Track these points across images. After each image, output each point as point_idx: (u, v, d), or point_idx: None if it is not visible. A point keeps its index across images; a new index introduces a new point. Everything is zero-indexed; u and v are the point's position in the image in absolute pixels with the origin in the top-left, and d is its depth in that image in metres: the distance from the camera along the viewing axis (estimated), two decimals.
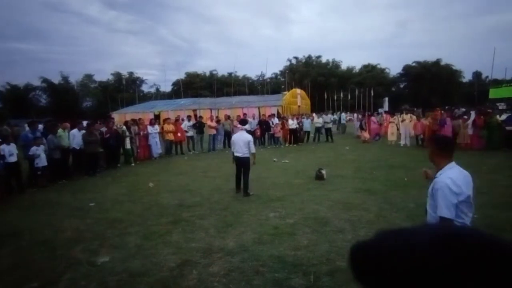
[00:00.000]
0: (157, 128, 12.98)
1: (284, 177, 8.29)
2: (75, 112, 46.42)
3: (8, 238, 4.85)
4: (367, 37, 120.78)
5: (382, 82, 55.93)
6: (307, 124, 16.38)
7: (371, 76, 56.88)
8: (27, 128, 11.72)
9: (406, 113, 15.00)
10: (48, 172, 8.41)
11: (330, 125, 16.81)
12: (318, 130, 16.67)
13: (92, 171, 9.61)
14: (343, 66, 65.17)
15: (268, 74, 67.83)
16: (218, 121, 15.21)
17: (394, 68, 72.98)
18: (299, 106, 32.70)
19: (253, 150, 6.71)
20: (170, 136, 13.42)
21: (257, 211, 5.65)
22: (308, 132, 16.57)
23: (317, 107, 43.92)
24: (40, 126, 15.78)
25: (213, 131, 14.53)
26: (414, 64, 57.05)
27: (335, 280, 3.33)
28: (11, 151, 7.32)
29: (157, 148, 12.73)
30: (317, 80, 56.21)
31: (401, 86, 61.71)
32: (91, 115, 40.01)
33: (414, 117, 14.60)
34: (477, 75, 57.15)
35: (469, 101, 43.22)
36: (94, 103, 58.85)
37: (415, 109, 25.78)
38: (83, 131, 9.75)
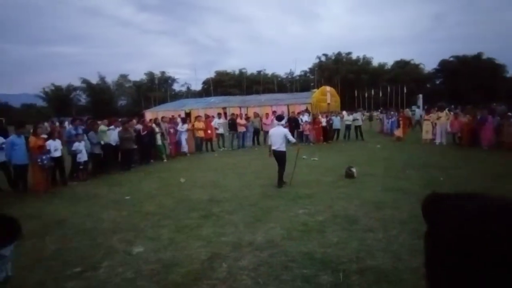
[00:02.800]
0: (186, 126, 13.33)
1: (313, 175, 8.21)
2: (111, 110, 48.85)
3: (53, 226, 5.24)
4: (400, 31, 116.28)
5: (416, 79, 53.50)
6: (336, 122, 16.09)
7: (404, 72, 54.61)
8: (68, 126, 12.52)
9: (442, 110, 14.27)
10: (88, 166, 8.97)
11: (360, 123, 16.36)
12: (348, 128, 16.35)
13: (127, 166, 10.08)
14: (375, 63, 63.17)
15: (297, 72, 67.35)
16: (247, 119, 15.34)
17: (429, 64, 69.72)
18: (328, 103, 31.99)
19: (292, 140, 7.15)
20: (201, 134, 13.73)
21: (286, 207, 5.66)
22: (338, 130, 16.28)
23: (347, 104, 42.86)
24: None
25: (243, 128, 14.69)
26: (451, 58, 54.08)
27: (365, 279, 3.27)
28: (56, 146, 7.88)
29: (186, 145, 13.08)
30: (347, 77, 54.93)
31: (437, 82, 58.70)
32: (125, 114, 41.86)
33: (451, 114, 13.86)
34: None
35: None
36: (129, 102, 61.56)
37: (455, 106, 24.20)
38: (119, 128, 10.24)
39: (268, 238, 4.35)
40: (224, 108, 30.22)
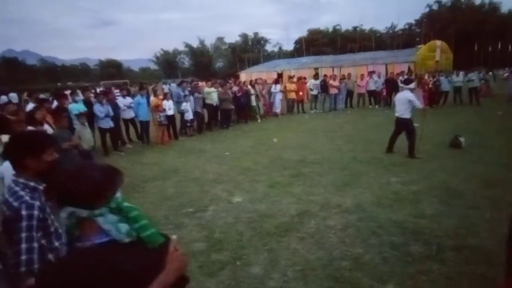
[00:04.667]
0: (279, 87, 13.58)
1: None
2: (210, 72, 52.61)
3: (171, 173, 6.32)
4: None
5: None
6: (445, 83, 14.04)
7: None
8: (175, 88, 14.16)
9: None
10: (194, 124, 10.24)
11: (476, 84, 13.83)
12: (457, 90, 14.07)
13: (226, 125, 11.08)
14: (504, 8, 50.58)
15: (400, 25, 59.30)
16: (340, 80, 14.72)
17: None
18: (437, 61, 27.65)
19: (418, 106, 6.33)
20: (292, 95, 13.87)
21: (377, 174, 5.55)
22: (446, 93, 14.21)
23: (464, 62, 36.38)
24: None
25: (335, 90, 14.20)
26: None
27: (462, 257, 3.11)
28: (169, 105, 9.16)
29: (279, 106, 13.45)
30: (465, 28, 45.80)
31: None
32: (222, 75, 44.56)
33: None
34: None
35: None
36: (225, 64, 64.88)
37: None
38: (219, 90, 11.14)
39: (357, 203, 4.43)
40: (316, 69, 29.28)
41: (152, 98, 8.84)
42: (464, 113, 11.71)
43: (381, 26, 71.89)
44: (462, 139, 6.86)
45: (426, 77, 13.98)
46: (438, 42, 31.62)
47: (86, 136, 6.07)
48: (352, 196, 4.67)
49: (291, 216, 4.15)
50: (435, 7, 55.08)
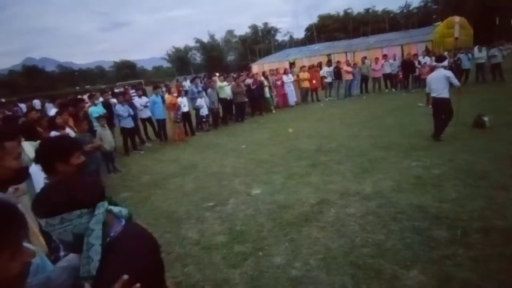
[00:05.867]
0: (291, 77, 13.44)
1: (431, 124, 7.39)
2: (222, 66, 52.65)
3: (189, 169, 6.44)
4: None
5: None
6: (466, 61, 13.43)
7: None
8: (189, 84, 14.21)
9: None
10: (209, 119, 10.32)
11: (498, 60, 13.10)
12: (480, 67, 13.39)
13: (241, 118, 11.12)
14: None
15: (415, 3, 57.03)
16: (354, 65, 14.40)
17: None
18: (456, 38, 26.39)
19: (456, 84, 6.07)
20: (306, 84, 13.71)
21: (396, 159, 5.45)
22: (468, 71, 13.59)
23: (484, 37, 34.59)
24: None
25: (349, 76, 13.93)
26: None
27: (489, 239, 3.03)
28: (184, 102, 9.27)
29: (292, 96, 13.33)
30: (485, 1, 43.51)
31: None
32: (234, 68, 44.50)
33: None
34: None
35: None
36: (236, 57, 64.70)
37: None
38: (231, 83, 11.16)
39: (376, 189, 4.38)
40: (328, 55, 28.72)
41: (167, 95, 8.98)
42: (487, 91, 11.19)
43: (394, 6, 69.59)
44: (486, 118, 6.60)
45: (446, 55, 13.40)
46: (457, 18, 29.97)
47: (107, 138, 6.27)
48: (372, 182, 4.62)
49: (310, 206, 4.15)
50: None
